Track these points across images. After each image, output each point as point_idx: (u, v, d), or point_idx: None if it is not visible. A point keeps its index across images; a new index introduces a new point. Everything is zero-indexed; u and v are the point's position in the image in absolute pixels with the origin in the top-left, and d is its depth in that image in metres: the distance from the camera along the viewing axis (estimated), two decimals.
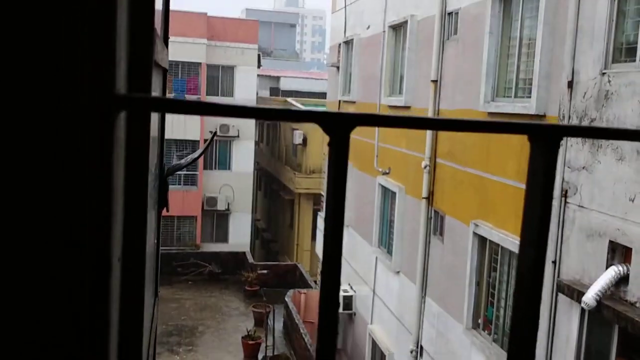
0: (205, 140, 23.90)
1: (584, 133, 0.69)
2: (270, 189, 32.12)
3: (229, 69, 27.56)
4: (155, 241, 2.11)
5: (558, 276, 7.14)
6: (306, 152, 26.95)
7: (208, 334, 19.06)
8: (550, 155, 0.63)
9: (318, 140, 24.69)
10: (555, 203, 7.16)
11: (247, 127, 27.77)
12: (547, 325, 7.32)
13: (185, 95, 25.43)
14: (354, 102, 15.51)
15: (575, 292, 6.69)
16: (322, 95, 29.00)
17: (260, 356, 17.43)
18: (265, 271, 23.08)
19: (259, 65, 28.56)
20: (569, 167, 7.13)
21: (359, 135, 13.97)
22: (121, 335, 0.80)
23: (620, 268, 6.16)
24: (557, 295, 7.15)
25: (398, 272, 12.53)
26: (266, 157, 33.35)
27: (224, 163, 27.86)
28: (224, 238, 27.85)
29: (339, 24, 16.90)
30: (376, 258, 13.72)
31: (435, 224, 10.93)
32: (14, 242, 0.58)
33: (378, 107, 13.55)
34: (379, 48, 13.68)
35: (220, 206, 27.17)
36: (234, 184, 27.48)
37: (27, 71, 0.56)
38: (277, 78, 37.01)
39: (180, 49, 23.97)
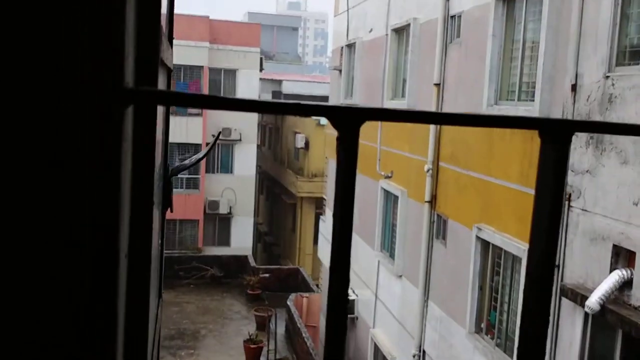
0: (207, 144, 23.91)
1: (596, 128, 0.68)
2: (273, 193, 32.11)
3: (231, 73, 27.60)
4: (160, 242, 2.11)
5: (561, 280, 7.11)
6: (308, 156, 26.94)
7: (210, 338, 19.05)
8: (562, 150, 0.62)
9: (320, 144, 24.68)
10: None
11: (249, 130, 27.81)
12: (551, 330, 7.30)
13: None
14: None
15: (578, 296, 6.67)
16: (325, 98, 28.99)
17: None
18: (267, 275, 23.07)
19: (261, 69, 28.58)
20: (572, 170, 7.11)
21: (361, 139, 13.75)
22: (127, 335, 0.80)
23: (624, 272, 6.13)
24: (560, 299, 7.13)
25: (400, 276, 12.51)
26: (268, 160, 33.36)
27: (226, 167, 27.89)
28: (226, 241, 27.86)
29: (341, 27, 16.91)
30: (378, 262, 13.70)
31: (438, 228, 10.91)
32: (20, 239, 0.57)
33: None
34: (381, 51, 13.67)
35: (223, 210, 27.19)
36: (236, 187, 27.50)
37: (39, 66, 0.56)
38: (280, 81, 37.02)
39: (183, 52, 24.02)
